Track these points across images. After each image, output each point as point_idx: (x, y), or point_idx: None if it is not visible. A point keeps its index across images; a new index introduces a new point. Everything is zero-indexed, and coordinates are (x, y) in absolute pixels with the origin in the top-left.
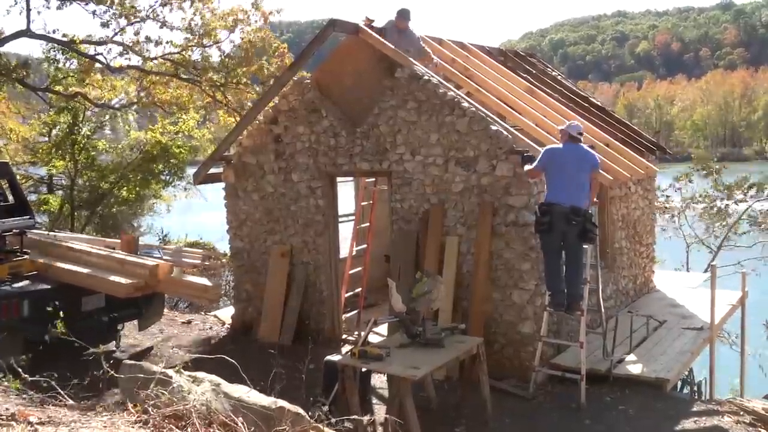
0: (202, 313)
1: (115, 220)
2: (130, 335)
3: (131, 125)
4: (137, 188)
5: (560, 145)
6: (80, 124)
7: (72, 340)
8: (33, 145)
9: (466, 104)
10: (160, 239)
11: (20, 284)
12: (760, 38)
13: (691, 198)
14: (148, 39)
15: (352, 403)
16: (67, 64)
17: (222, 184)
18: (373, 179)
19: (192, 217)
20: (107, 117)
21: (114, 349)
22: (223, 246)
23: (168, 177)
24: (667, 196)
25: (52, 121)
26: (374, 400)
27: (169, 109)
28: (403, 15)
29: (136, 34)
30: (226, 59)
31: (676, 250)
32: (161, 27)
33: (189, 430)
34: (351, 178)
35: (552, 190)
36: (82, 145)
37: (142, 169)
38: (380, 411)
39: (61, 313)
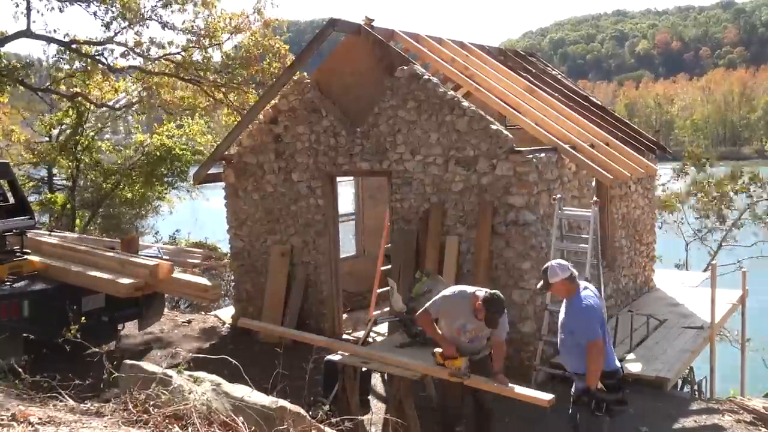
0: (203, 312)
1: (118, 221)
2: (131, 335)
3: (137, 127)
4: (141, 189)
5: (586, 292)
6: (84, 125)
7: (72, 340)
8: (36, 145)
9: (465, 103)
10: (171, 237)
11: (20, 284)
12: (760, 37)
13: (691, 186)
14: (151, 40)
15: (352, 403)
16: (70, 65)
17: (222, 184)
18: None
19: (196, 216)
20: (108, 118)
21: (114, 348)
22: (225, 246)
23: (171, 179)
24: (664, 186)
25: (56, 121)
26: (374, 400)
27: (172, 111)
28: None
29: (138, 34)
30: (229, 61)
31: (676, 247)
32: (163, 28)
33: (190, 429)
34: (351, 178)
35: (608, 353)
36: (85, 146)
37: (145, 171)
38: (381, 411)
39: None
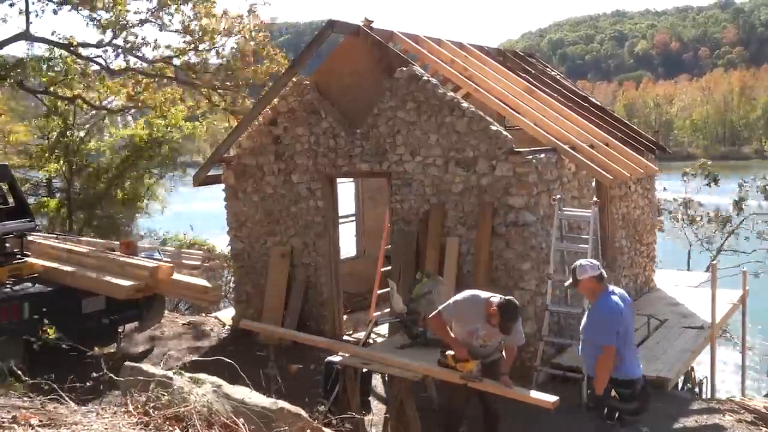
0: (203, 314)
1: (113, 222)
2: (131, 337)
3: (127, 124)
4: (133, 184)
5: (610, 297)
6: (72, 127)
7: (72, 343)
8: (32, 147)
9: (465, 104)
10: (156, 238)
11: (21, 287)
12: (759, 37)
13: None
14: (145, 42)
15: (353, 404)
16: (65, 67)
17: (222, 186)
18: None
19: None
20: (104, 119)
21: (114, 350)
22: (224, 246)
23: (160, 169)
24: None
25: (43, 126)
26: (375, 401)
27: (164, 113)
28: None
29: (133, 35)
30: (228, 62)
31: (678, 250)
32: (160, 30)
33: (190, 431)
34: (351, 179)
35: (625, 361)
36: (75, 148)
37: (132, 164)
38: (381, 411)
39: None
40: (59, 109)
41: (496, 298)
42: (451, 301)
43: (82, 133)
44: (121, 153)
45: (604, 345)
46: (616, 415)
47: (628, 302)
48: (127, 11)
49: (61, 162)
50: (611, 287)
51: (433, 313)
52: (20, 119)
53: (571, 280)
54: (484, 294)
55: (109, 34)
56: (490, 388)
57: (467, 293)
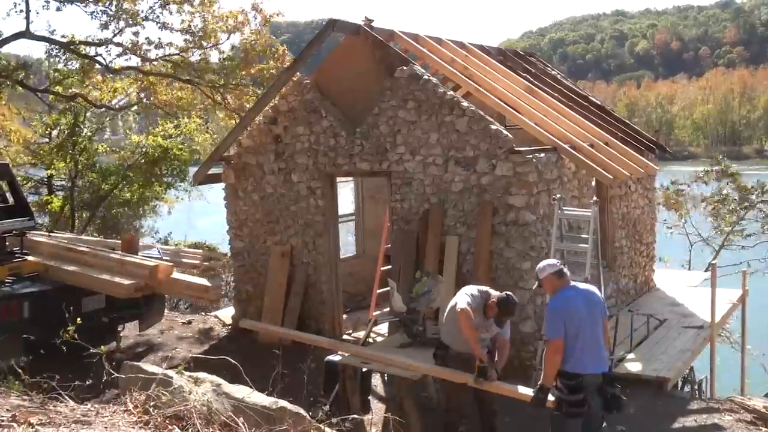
0: (203, 313)
1: (116, 222)
2: (131, 336)
3: (132, 127)
4: (140, 189)
5: (563, 293)
6: (81, 126)
7: (72, 341)
8: (35, 146)
9: (465, 104)
10: (163, 238)
11: (20, 285)
12: (759, 37)
13: (707, 197)
14: (148, 41)
15: (352, 403)
16: (67, 65)
17: (222, 185)
18: None
19: (195, 216)
20: (108, 119)
21: (114, 349)
22: (224, 247)
23: (170, 179)
24: (681, 191)
25: (53, 123)
26: (375, 400)
27: (170, 111)
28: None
29: (135, 34)
30: (227, 61)
31: (679, 248)
32: (161, 29)
33: (190, 430)
34: (351, 178)
35: (574, 355)
36: (82, 147)
37: (143, 171)
38: (381, 411)
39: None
40: (73, 107)
41: (494, 292)
42: (467, 297)
43: (89, 133)
44: (131, 156)
45: (547, 338)
46: (564, 405)
47: (594, 299)
48: (132, 10)
49: (68, 160)
50: (576, 283)
51: (463, 306)
52: (22, 118)
53: (536, 283)
54: (483, 288)
55: (111, 29)
56: (494, 388)
57: (473, 289)
